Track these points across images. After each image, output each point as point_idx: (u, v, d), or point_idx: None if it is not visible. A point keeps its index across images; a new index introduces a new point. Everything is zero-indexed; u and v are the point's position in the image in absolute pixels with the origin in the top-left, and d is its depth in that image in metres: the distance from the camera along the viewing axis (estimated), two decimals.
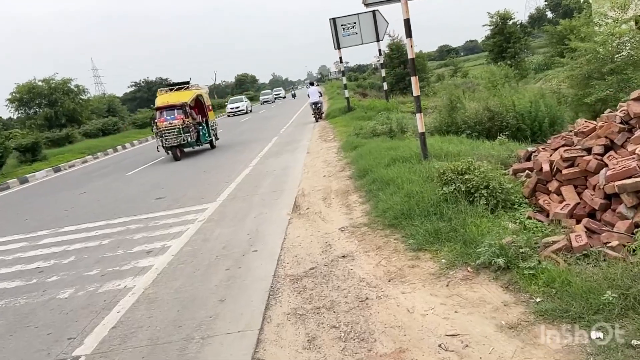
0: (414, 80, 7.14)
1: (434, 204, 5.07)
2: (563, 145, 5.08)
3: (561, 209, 4.35)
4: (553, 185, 4.81)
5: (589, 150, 4.62)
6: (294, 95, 64.58)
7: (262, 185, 9.06)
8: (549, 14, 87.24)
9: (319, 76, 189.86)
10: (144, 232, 7.08)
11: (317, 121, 20.70)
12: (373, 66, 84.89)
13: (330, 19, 19.86)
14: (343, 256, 4.75)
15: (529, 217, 4.52)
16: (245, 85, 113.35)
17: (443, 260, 4.11)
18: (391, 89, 29.12)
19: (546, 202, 4.72)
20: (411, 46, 7.01)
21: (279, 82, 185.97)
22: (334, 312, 3.67)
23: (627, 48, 12.99)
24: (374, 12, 19.76)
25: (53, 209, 10.30)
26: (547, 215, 4.59)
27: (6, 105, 33.74)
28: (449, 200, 5.02)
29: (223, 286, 4.54)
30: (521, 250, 3.66)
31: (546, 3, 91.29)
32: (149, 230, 7.10)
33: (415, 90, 7.14)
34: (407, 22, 6.98)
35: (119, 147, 25.16)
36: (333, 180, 8.33)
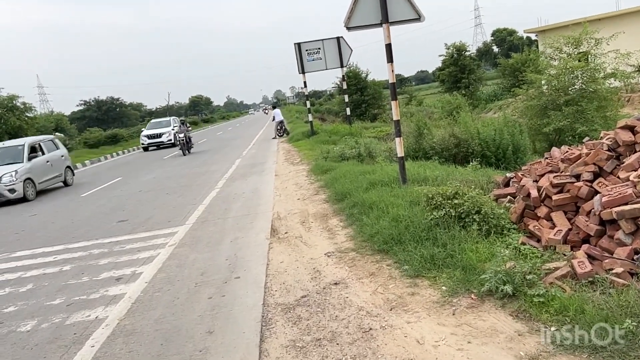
0: (394, 104, 7.15)
1: (425, 228, 4.99)
2: (550, 172, 5.15)
3: (554, 235, 4.36)
4: (542, 211, 4.83)
5: (577, 177, 4.69)
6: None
7: (232, 209, 8.74)
8: (495, 49, 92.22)
9: (275, 100, 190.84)
10: (109, 257, 6.60)
11: (280, 136, 23.22)
12: (328, 92, 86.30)
13: (295, 44, 19.99)
14: (335, 283, 4.55)
15: (523, 243, 4.51)
16: (200, 107, 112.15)
17: (444, 288, 3.99)
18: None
19: (536, 227, 4.73)
20: (392, 71, 7.03)
21: (233, 104, 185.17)
22: (337, 344, 3.45)
23: (579, 82, 13.76)
24: (338, 38, 20.08)
25: (1, 233, 9.51)
26: (539, 241, 4.59)
27: None
28: (440, 225, 4.95)
29: (208, 316, 4.22)
30: (527, 277, 3.60)
31: (492, 38, 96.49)
32: (114, 255, 6.63)
33: (396, 115, 7.14)
34: (388, 47, 7.01)
35: None
36: (309, 204, 8.14)
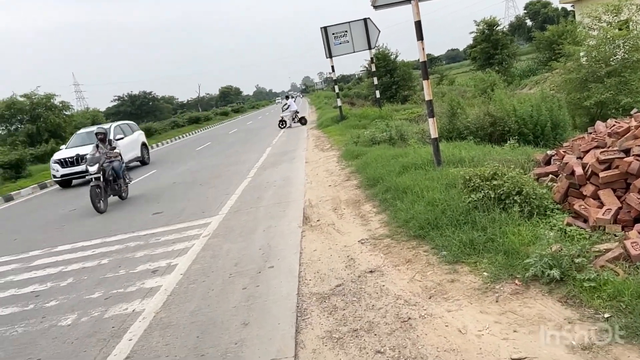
0: (425, 84, 6.90)
1: (463, 212, 4.79)
2: (595, 147, 4.84)
3: (603, 214, 4.09)
4: (588, 189, 4.55)
5: (627, 152, 4.38)
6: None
7: (264, 197, 8.71)
8: (528, 22, 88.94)
9: (304, 87, 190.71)
10: (145, 249, 6.67)
11: (289, 127, 23.88)
12: (357, 76, 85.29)
13: (321, 28, 19.72)
14: (370, 271, 4.42)
15: (568, 224, 4.26)
16: (230, 97, 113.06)
17: (485, 274, 3.81)
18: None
19: (582, 207, 4.46)
20: (422, 49, 6.77)
21: (262, 93, 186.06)
22: (375, 334, 3.33)
23: (622, 51, 13.02)
24: (365, 20, 19.70)
25: (43, 227, 9.80)
26: (585, 221, 4.33)
27: None
28: (479, 207, 4.74)
29: (243, 307, 4.17)
30: (575, 260, 3.38)
31: (525, 12, 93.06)
32: (150, 248, 6.70)
33: (428, 95, 6.89)
34: (418, 25, 6.75)
35: None
36: (340, 190, 8.01)
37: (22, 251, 7.88)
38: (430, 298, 3.67)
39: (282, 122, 24.24)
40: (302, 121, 24.61)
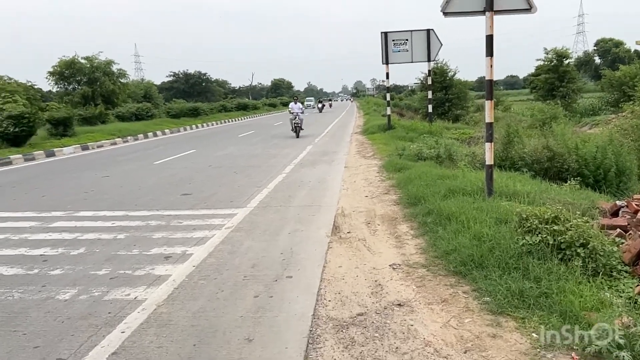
0: (488, 104, 6.28)
1: (514, 255, 4.18)
2: None
3: None
4: None
5: None
6: (320, 109, 52.73)
7: (296, 197, 8.28)
8: (597, 60, 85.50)
9: (354, 91, 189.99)
10: (164, 231, 6.35)
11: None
12: (410, 88, 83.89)
13: (382, 33, 19.15)
14: (399, 304, 3.89)
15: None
16: (281, 90, 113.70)
17: (534, 335, 3.21)
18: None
19: None
20: (490, 66, 6.17)
21: (313, 91, 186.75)
22: None
23: None
24: (428, 30, 19.02)
25: (73, 189, 9.71)
26: None
27: (46, 78, 33.97)
28: (534, 253, 4.13)
29: (251, 319, 3.73)
30: None
31: (595, 48, 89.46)
32: (170, 230, 6.38)
33: (489, 117, 6.28)
34: (489, 39, 6.15)
35: (150, 133, 24.79)
36: (377, 203, 7.48)
37: (45, 209, 7.75)
38: (465, 353, 3.11)
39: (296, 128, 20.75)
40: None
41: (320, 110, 50.95)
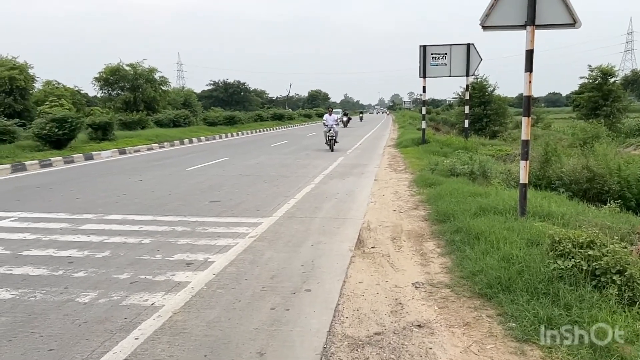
0: (525, 121, 6.05)
1: (544, 279, 3.96)
2: None
3: None
4: None
5: None
6: (361, 119, 65.16)
7: (323, 208, 8.19)
8: None
9: (391, 104, 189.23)
10: (189, 237, 6.38)
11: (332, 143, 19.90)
12: (447, 102, 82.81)
13: (420, 46, 18.95)
14: (419, 325, 3.73)
15: None
16: (317, 101, 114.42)
17: None
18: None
19: None
20: (529, 82, 5.94)
21: (350, 103, 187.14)
22: None
23: None
24: (468, 45, 18.73)
25: (106, 192, 9.94)
26: None
27: (92, 83, 35.28)
28: (566, 279, 3.90)
29: (265, 332, 3.65)
30: None
31: None
32: (194, 237, 6.40)
33: (525, 134, 6.04)
34: (529, 54, 5.93)
35: (186, 140, 25.29)
36: (404, 218, 7.31)
37: (77, 212, 7.94)
38: None
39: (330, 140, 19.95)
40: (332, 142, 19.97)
41: (346, 124, 42.87)
